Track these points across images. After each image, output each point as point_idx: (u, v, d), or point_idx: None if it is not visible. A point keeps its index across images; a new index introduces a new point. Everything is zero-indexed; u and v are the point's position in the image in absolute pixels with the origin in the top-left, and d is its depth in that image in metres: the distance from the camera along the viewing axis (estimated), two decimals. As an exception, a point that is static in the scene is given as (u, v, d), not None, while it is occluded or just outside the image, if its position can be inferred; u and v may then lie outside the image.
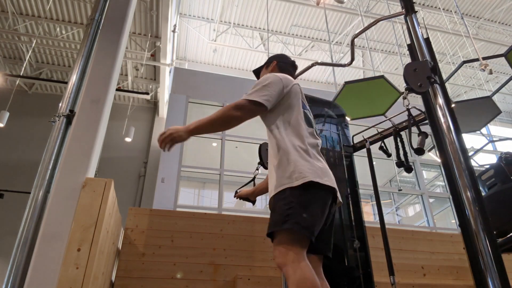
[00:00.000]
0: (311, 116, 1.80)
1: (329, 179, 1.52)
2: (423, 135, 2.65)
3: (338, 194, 1.57)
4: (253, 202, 2.24)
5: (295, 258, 1.28)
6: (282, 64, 2.00)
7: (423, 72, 1.42)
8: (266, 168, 2.49)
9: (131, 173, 9.42)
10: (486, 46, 10.42)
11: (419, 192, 9.14)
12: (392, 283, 2.66)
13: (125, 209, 3.36)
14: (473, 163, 2.95)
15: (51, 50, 9.30)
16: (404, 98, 2.63)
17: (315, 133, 1.72)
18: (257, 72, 2.10)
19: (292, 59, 2.10)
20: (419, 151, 2.61)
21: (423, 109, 1.55)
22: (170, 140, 1.54)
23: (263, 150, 2.85)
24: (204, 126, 1.57)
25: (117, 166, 9.19)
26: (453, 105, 1.43)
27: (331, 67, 10.11)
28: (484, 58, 5.05)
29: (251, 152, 7.98)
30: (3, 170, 8.26)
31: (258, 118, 1.75)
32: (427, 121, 1.49)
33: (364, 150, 3.30)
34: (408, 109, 2.68)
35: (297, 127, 1.63)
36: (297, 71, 2.17)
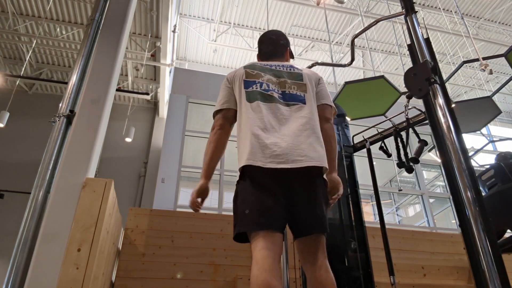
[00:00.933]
0: (261, 87, 1.66)
1: (255, 156, 1.41)
2: (422, 143, 2.65)
3: (279, 161, 1.39)
4: None
5: (254, 257, 1.30)
6: (259, 50, 2.01)
7: (422, 75, 1.41)
8: None
9: (131, 173, 9.42)
10: (486, 46, 10.42)
11: (419, 192, 9.13)
12: (392, 283, 2.66)
13: (125, 209, 3.36)
14: (473, 163, 2.95)
15: (51, 50, 9.29)
16: (406, 106, 2.64)
17: (261, 103, 1.59)
18: None
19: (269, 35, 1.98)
20: (415, 160, 2.61)
21: (423, 109, 1.55)
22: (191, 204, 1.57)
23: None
24: (205, 163, 1.61)
25: (117, 166, 9.19)
26: (453, 105, 1.42)
27: (331, 67, 10.11)
28: (484, 58, 5.05)
29: (251, 152, 7.95)
30: (3, 170, 8.26)
31: None
32: (427, 121, 1.49)
33: (364, 150, 3.30)
34: (407, 118, 2.69)
35: (240, 119, 1.63)
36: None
